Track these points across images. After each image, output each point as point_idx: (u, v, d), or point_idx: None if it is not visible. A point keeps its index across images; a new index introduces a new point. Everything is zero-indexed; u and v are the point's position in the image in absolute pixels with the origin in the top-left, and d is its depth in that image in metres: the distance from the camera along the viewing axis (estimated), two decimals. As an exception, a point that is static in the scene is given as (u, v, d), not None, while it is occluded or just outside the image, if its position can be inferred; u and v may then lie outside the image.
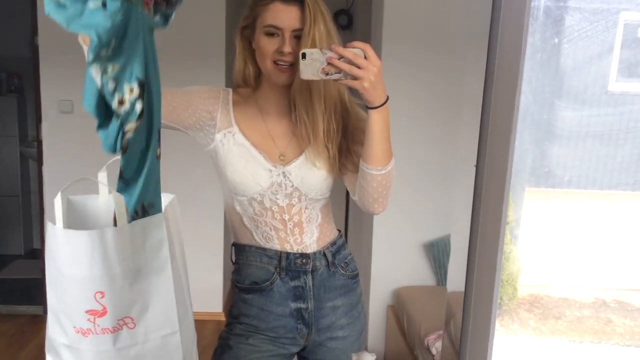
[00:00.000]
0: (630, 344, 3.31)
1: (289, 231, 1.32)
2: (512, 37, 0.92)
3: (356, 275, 1.43)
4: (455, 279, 1.29)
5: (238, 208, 1.32)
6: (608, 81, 2.62)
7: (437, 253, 2.73)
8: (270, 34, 1.20)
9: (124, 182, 0.89)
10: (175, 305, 1.01)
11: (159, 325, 1.00)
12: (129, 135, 0.84)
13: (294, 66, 1.21)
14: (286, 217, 1.31)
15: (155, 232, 0.98)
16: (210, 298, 3.46)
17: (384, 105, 1.13)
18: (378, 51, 2.64)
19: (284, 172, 1.28)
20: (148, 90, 0.84)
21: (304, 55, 1.08)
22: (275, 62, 1.21)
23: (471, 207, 1.10)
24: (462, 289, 1.19)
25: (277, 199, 1.29)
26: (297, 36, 1.19)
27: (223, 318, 3.39)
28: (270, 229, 1.31)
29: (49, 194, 3.25)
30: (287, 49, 1.19)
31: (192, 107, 1.27)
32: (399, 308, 2.74)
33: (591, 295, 3.71)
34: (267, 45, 1.20)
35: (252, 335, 1.33)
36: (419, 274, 2.80)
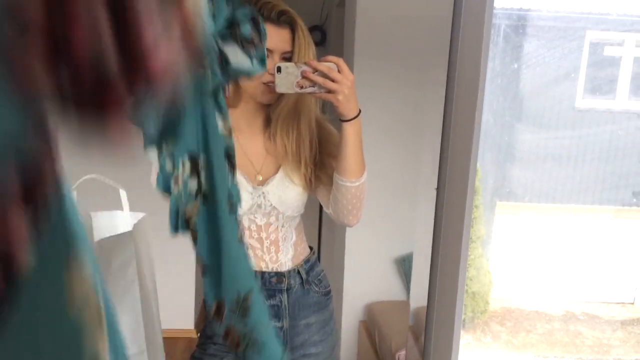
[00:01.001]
0: (597, 358, 3.37)
1: (265, 249, 1.31)
2: (471, 61, 0.94)
3: (329, 292, 1.43)
4: (419, 295, 1.30)
5: None
6: (575, 99, 2.70)
7: (408, 268, 2.75)
8: None
9: (203, 270, 0.75)
10: (142, 324, 1.00)
11: (126, 345, 0.99)
12: (193, 219, 0.72)
13: None
14: (263, 235, 1.31)
15: (123, 250, 0.97)
16: (182, 315, 3.41)
17: (357, 118, 1.15)
18: (350, 66, 2.66)
19: (263, 193, 1.27)
20: (208, 165, 0.71)
21: (279, 69, 1.09)
22: (263, 83, 1.21)
23: (432, 226, 1.12)
24: (422, 304, 1.20)
25: (256, 218, 1.29)
26: (285, 58, 1.20)
27: (195, 335, 3.35)
28: (247, 248, 1.31)
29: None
30: None
31: None
32: (371, 323, 2.75)
33: (561, 308, 3.78)
34: None
35: (226, 356, 1.32)
36: (391, 289, 2.81)
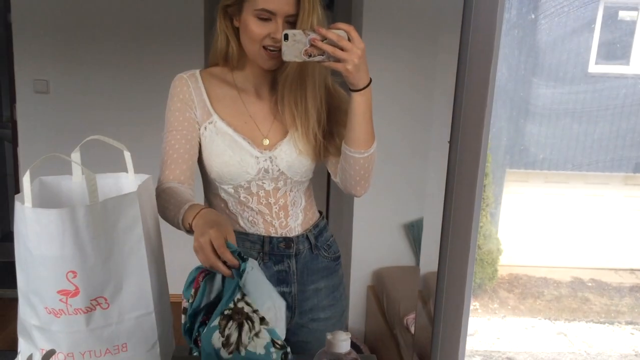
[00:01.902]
0: (604, 321, 3.37)
1: (274, 215, 1.30)
2: (487, 11, 0.90)
3: (338, 257, 1.42)
4: (429, 260, 1.29)
5: (223, 195, 1.29)
6: (588, 64, 2.63)
7: (416, 233, 2.74)
8: (263, 18, 1.14)
9: None
10: (150, 285, 0.99)
11: (134, 306, 0.99)
12: None
13: None
14: (272, 200, 1.29)
15: (128, 210, 0.96)
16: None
17: (367, 88, 1.11)
18: (359, 31, 2.62)
19: (270, 157, 1.25)
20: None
21: (286, 37, 1.05)
22: (264, 47, 1.17)
23: (444, 186, 1.10)
24: (432, 269, 1.19)
25: (264, 183, 1.27)
26: (289, 22, 1.14)
27: (204, 300, 3.38)
28: (256, 213, 1.28)
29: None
30: (280, 35, 1.12)
31: (191, 135, 1.23)
32: (379, 288, 2.76)
33: (569, 274, 3.78)
34: (257, 30, 1.15)
35: None
36: (399, 254, 2.81)
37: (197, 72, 1.27)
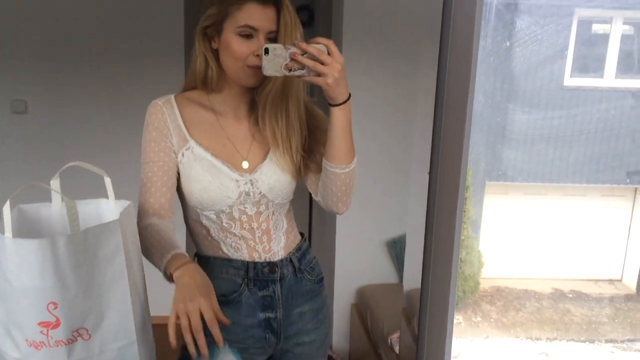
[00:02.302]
0: (585, 340, 3.40)
1: (257, 239, 1.28)
2: (463, 40, 0.92)
3: (321, 279, 1.41)
4: (412, 277, 1.29)
5: (205, 222, 1.27)
6: (563, 78, 2.69)
7: (399, 250, 2.75)
8: (245, 35, 1.15)
9: None
10: (132, 315, 0.99)
11: (116, 336, 0.98)
12: None
13: None
14: (254, 225, 1.27)
15: (110, 239, 0.95)
16: (169, 300, 3.41)
17: (347, 103, 1.12)
18: (339, 46, 2.64)
19: (251, 180, 1.24)
20: None
21: (266, 51, 1.06)
22: (247, 65, 1.17)
23: (426, 206, 1.11)
24: (416, 286, 1.19)
25: (246, 208, 1.26)
26: (270, 38, 1.15)
27: (187, 319, 3.35)
28: (239, 238, 1.27)
29: (2, 200, 3.14)
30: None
31: (167, 166, 1.22)
32: (363, 306, 2.76)
33: (550, 286, 3.81)
34: (240, 48, 1.15)
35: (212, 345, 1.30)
36: (382, 271, 2.82)
37: (172, 97, 1.25)
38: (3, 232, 0.90)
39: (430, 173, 1.06)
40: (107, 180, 1.10)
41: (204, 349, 0.99)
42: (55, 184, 1.07)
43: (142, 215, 1.20)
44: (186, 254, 1.12)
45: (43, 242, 0.88)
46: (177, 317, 1.01)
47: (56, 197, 1.10)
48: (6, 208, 0.91)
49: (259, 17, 1.14)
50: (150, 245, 1.13)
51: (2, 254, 0.90)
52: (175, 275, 1.05)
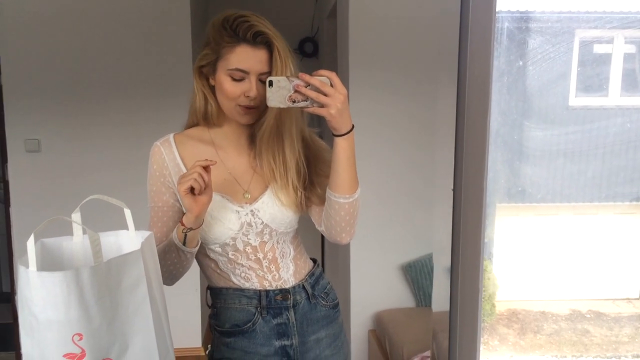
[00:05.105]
0: (610, 356, 3.35)
1: (265, 269, 1.29)
2: (479, 61, 0.94)
3: (337, 305, 1.41)
4: (439, 299, 1.29)
5: (212, 255, 1.29)
6: (568, 97, 2.70)
7: (415, 274, 2.74)
8: (235, 79, 1.17)
9: None
10: (155, 343, 0.99)
11: (140, 365, 0.98)
12: None
13: (259, 107, 1.20)
14: (260, 255, 1.28)
15: (132, 269, 0.96)
16: (189, 333, 3.39)
17: (350, 133, 1.14)
18: (345, 77, 2.68)
19: (252, 211, 1.26)
20: None
21: (270, 83, 1.08)
22: (239, 104, 1.20)
23: (451, 228, 1.11)
24: (444, 308, 1.19)
25: (249, 239, 1.27)
26: (262, 80, 1.16)
27: (203, 353, 3.33)
28: (248, 269, 1.28)
29: (18, 236, 3.16)
30: (254, 93, 1.17)
31: (169, 209, 1.26)
32: (380, 332, 2.73)
33: (567, 307, 3.76)
34: (231, 89, 1.18)
35: None
36: (398, 296, 2.80)
37: (171, 136, 1.28)
38: (27, 266, 0.91)
39: (454, 190, 1.07)
40: (127, 212, 1.12)
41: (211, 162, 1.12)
42: (76, 216, 1.09)
43: None
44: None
45: (67, 274, 0.89)
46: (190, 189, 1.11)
47: (77, 230, 1.11)
48: (30, 242, 0.92)
49: (249, 59, 1.16)
50: (163, 246, 1.21)
51: (27, 288, 0.91)
52: (184, 218, 1.16)
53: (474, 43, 0.96)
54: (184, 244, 1.16)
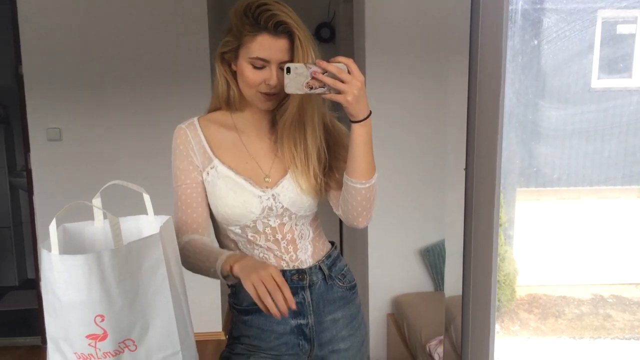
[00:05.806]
0: (630, 337, 3.32)
1: (283, 250, 1.31)
2: (492, 41, 0.93)
3: (354, 286, 1.42)
4: (453, 283, 1.29)
5: (232, 236, 1.31)
6: (590, 79, 2.65)
7: (432, 258, 2.74)
8: (257, 67, 1.18)
9: None
10: (175, 324, 1.01)
11: (161, 346, 1.00)
12: None
13: (279, 94, 1.21)
14: (279, 236, 1.30)
15: (152, 252, 0.98)
16: (210, 318, 3.44)
17: (367, 119, 1.14)
18: (362, 61, 2.67)
19: (273, 195, 1.27)
20: None
21: (288, 70, 1.09)
22: (259, 92, 1.21)
23: (463, 211, 1.11)
24: (460, 292, 1.19)
25: (269, 220, 1.28)
26: (283, 68, 1.16)
27: (223, 337, 3.37)
28: (266, 249, 1.30)
29: (41, 223, 3.23)
30: (274, 81, 1.18)
31: (197, 186, 1.27)
32: (399, 315, 2.74)
33: (589, 291, 3.72)
34: (252, 76, 1.19)
35: (254, 354, 1.32)
36: (417, 280, 2.81)
37: (196, 120, 1.31)
38: (50, 250, 0.93)
39: (466, 171, 1.06)
40: (146, 197, 1.14)
41: (291, 300, 1.03)
42: (97, 202, 1.11)
43: (180, 234, 1.25)
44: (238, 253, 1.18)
45: (89, 258, 0.91)
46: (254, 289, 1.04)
47: (98, 215, 1.14)
48: (52, 226, 0.94)
49: (270, 48, 1.17)
50: (198, 255, 1.19)
51: (50, 271, 0.93)
52: (237, 266, 1.09)
53: (486, 22, 0.95)
54: (224, 277, 1.17)
